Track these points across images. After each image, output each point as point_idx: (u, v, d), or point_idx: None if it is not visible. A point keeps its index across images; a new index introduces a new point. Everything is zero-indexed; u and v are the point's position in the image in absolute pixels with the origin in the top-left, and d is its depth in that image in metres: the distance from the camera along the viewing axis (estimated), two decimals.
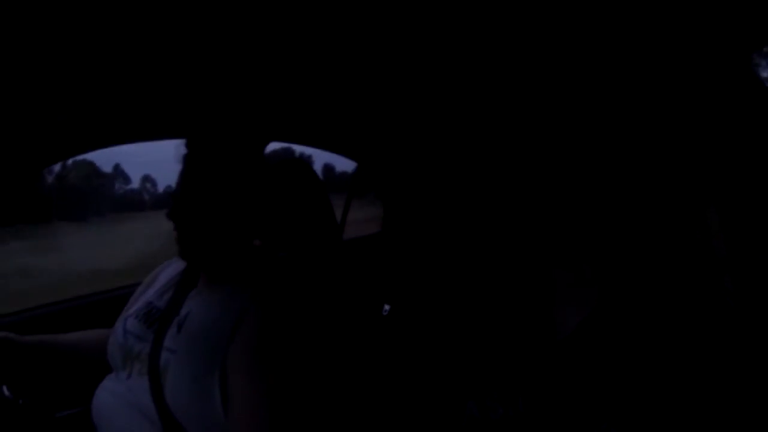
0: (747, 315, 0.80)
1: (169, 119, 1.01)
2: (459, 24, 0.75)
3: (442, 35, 0.79)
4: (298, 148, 1.56)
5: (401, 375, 0.68)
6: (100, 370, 0.79)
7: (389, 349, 0.85)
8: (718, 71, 0.80)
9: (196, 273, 0.81)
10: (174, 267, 0.87)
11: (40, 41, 0.65)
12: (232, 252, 0.78)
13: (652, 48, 0.80)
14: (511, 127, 0.70)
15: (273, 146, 1.03)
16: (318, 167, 0.99)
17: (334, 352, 0.82)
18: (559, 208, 0.57)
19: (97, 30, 0.64)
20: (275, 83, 0.93)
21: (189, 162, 0.76)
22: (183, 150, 0.77)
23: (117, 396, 0.72)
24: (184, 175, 0.76)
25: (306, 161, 1.00)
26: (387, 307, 1.17)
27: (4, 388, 0.69)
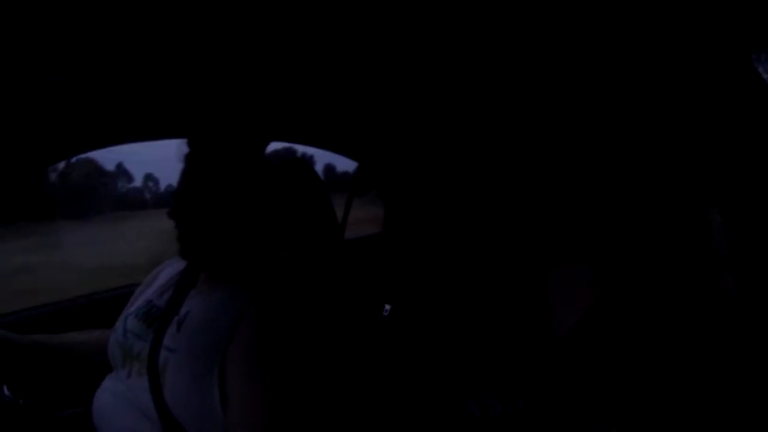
0: (749, 315, 0.80)
1: (170, 118, 1.01)
2: (459, 24, 0.75)
3: (443, 35, 0.79)
4: (300, 149, 1.57)
5: (402, 373, 0.67)
6: (100, 370, 0.80)
7: (390, 347, 0.86)
8: (721, 72, 0.80)
9: (197, 272, 0.80)
10: (175, 266, 0.87)
11: (41, 39, 0.64)
12: (233, 251, 0.78)
13: (654, 47, 0.80)
14: (511, 126, 0.70)
15: (275, 146, 1.03)
16: (319, 167, 0.99)
17: (334, 352, 0.82)
18: (559, 206, 0.57)
19: (99, 28, 0.64)
20: (277, 82, 0.93)
21: (190, 161, 0.76)
22: (185, 149, 0.77)
23: (117, 395, 0.72)
24: (185, 174, 0.76)
25: (306, 161, 1.00)
26: (388, 307, 1.18)
27: (5, 388, 0.69)
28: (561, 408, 0.52)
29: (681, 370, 0.49)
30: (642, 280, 0.56)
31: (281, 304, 0.72)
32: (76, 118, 0.90)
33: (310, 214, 0.96)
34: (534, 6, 0.70)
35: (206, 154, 0.76)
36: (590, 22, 0.75)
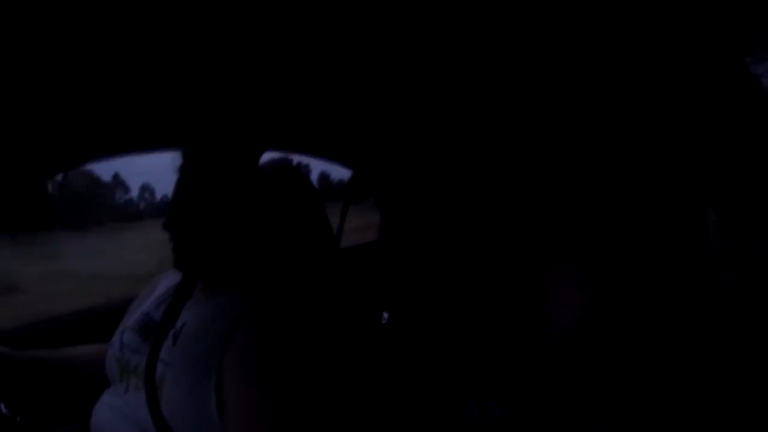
0: (746, 313, 0.80)
1: (165, 129, 1.02)
2: (454, 29, 0.76)
3: (438, 41, 0.80)
4: (295, 158, 1.57)
5: (401, 375, 0.68)
6: (99, 385, 0.79)
7: (389, 351, 0.86)
8: (715, 73, 0.81)
9: (192, 283, 0.81)
10: (171, 278, 0.87)
11: (40, 51, 0.65)
12: (228, 261, 0.78)
13: (649, 50, 0.80)
14: (505, 131, 0.70)
15: (270, 155, 1.03)
16: (314, 176, 1.00)
17: (330, 359, 0.82)
18: (552, 210, 0.58)
19: (95, 40, 0.65)
20: (270, 91, 0.93)
21: (184, 172, 0.77)
22: (179, 160, 0.77)
23: (115, 410, 0.72)
24: (179, 185, 0.77)
25: (300, 169, 1.00)
26: (386, 315, 1.18)
27: (2, 405, 0.69)
28: (558, 409, 0.53)
29: (677, 369, 0.49)
30: (637, 281, 0.57)
31: (276, 312, 0.72)
32: (71, 130, 0.91)
33: (304, 223, 0.96)
34: (529, 10, 0.71)
35: (200, 164, 0.76)
36: (586, 25, 0.76)
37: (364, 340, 0.93)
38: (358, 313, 0.97)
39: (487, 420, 0.57)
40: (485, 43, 0.81)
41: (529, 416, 0.55)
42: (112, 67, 0.73)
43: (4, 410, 0.69)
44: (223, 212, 0.75)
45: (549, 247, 0.59)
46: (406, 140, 1.43)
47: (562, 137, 0.60)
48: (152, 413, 0.67)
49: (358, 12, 0.67)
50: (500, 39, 0.80)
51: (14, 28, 0.58)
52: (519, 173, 0.61)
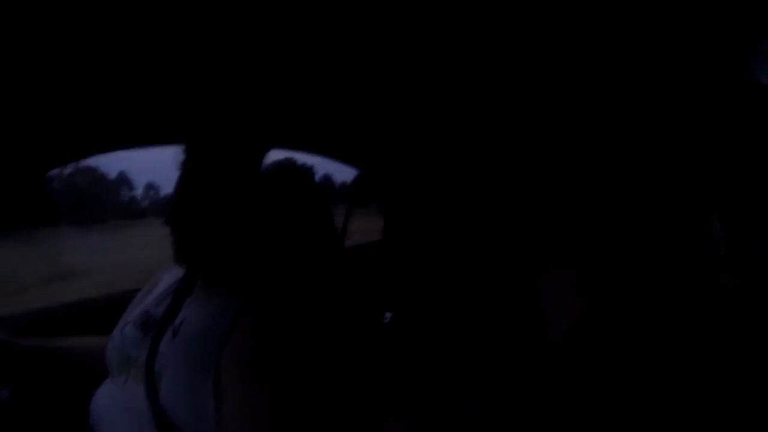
0: (749, 316, 0.80)
1: (169, 124, 1.02)
2: (461, 31, 0.76)
3: (443, 43, 0.80)
4: (300, 160, 1.57)
5: (404, 371, 0.68)
6: (98, 375, 0.80)
7: (392, 346, 0.86)
8: (718, 79, 0.81)
9: (193, 280, 0.81)
10: (172, 275, 0.87)
11: (44, 45, 0.66)
12: (228, 258, 0.78)
13: (652, 53, 0.81)
14: (504, 134, 0.70)
15: (276, 156, 1.04)
16: (317, 178, 1.00)
17: (329, 358, 0.82)
18: (548, 211, 0.58)
19: (100, 34, 0.65)
20: (277, 89, 0.94)
21: (187, 168, 0.77)
22: (181, 156, 0.78)
23: (114, 401, 0.73)
24: (181, 181, 0.77)
25: (306, 169, 1.01)
26: (388, 315, 1.18)
27: (3, 391, 0.70)
28: (557, 408, 0.53)
29: (676, 372, 0.49)
30: (635, 283, 0.57)
31: (275, 311, 0.72)
32: (74, 122, 0.91)
33: (308, 222, 0.96)
34: (532, 14, 0.71)
35: (203, 160, 0.77)
36: (590, 29, 0.76)
37: (365, 339, 0.93)
38: (359, 312, 0.97)
39: (489, 415, 0.57)
40: (485, 49, 0.82)
41: (529, 413, 0.55)
42: (119, 61, 0.74)
43: (5, 396, 0.69)
44: (224, 209, 0.76)
45: (545, 248, 0.59)
46: (410, 142, 1.44)
47: (560, 140, 0.60)
48: (151, 405, 0.67)
49: (369, 12, 0.68)
50: (502, 46, 0.80)
51: (23, 23, 0.59)
52: (517, 175, 0.61)
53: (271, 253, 0.89)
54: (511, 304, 0.62)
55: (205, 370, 0.67)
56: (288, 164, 0.99)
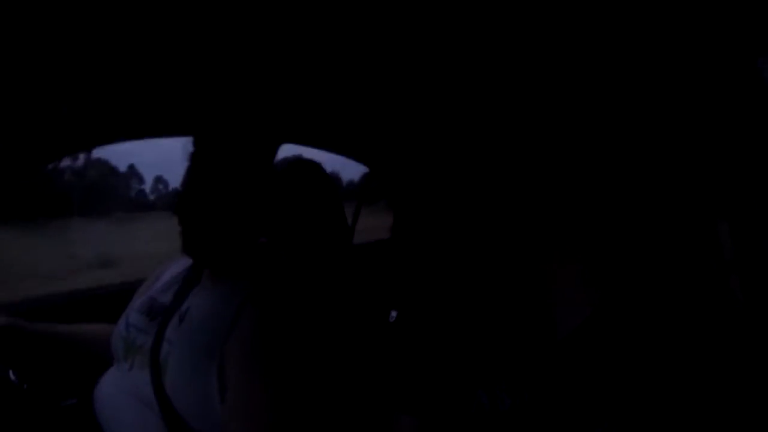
0: (754, 318, 0.80)
1: (179, 115, 1.03)
2: (471, 30, 0.76)
3: (454, 42, 0.80)
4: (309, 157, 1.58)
5: (411, 366, 0.68)
6: (104, 362, 0.80)
7: (399, 341, 0.86)
8: (728, 81, 0.80)
9: (200, 269, 0.81)
10: (179, 264, 0.88)
11: (51, 33, 0.66)
12: (236, 249, 0.78)
13: (664, 57, 0.80)
14: (520, 132, 0.70)
15: (287, 151, 1.04)
16: None
17: (332, 350, 0.82)
18: (561, 211, 0.58)
19: (108, 24, 0.65)
20: (290, 83, 0.94)
21: (196, 159, 0.77)
22: (190, 148, 0.78)
23: (119, 387, 0.73)
24: (190, 172, 0.77)
25: (317, 163, 1.00)
26: (394, 313, 1.17)
27: (11, 373, 0.70)
28: (565, 405, 0.53)
29: (683, 372, 0.49)
30: (644, 282, 0.56)
31: (279, 303, 0.72)
32: (80, 112, 0.92)
33: (317, 215, 0.96)
34: (545, 12, 0.70)
35: (213, 151, 0.77)
36: (601, 29, 0.76)
37: (370, 334, 0.92)
38: (365, 308, 0.96)
39: (497, 411, 0.57)
40: (494, 47, 0.81)
41: (537, 409, 0.55)
42: (130, 52, 0.74)
43: (12, 378, 0.69)
44: (231, 200, 0.76)
45: (552, 244, 0.59)
46: (419, 140, 1.44)
47: (570, 138, 0.60)
48: (156, 391, 0.67)
49: (385, 9, 0.67)
50: (512, 42, 0.80)
51: (29, 12, 0.59)
52: (525, 173, 0.61)
53: (278, 245, 0.89)
54: (519, 300, 0.62)
55: (210, 358, 0.67)
56: (298, 159, 0.99)
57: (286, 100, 1.04)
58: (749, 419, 0.47)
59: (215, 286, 0.77)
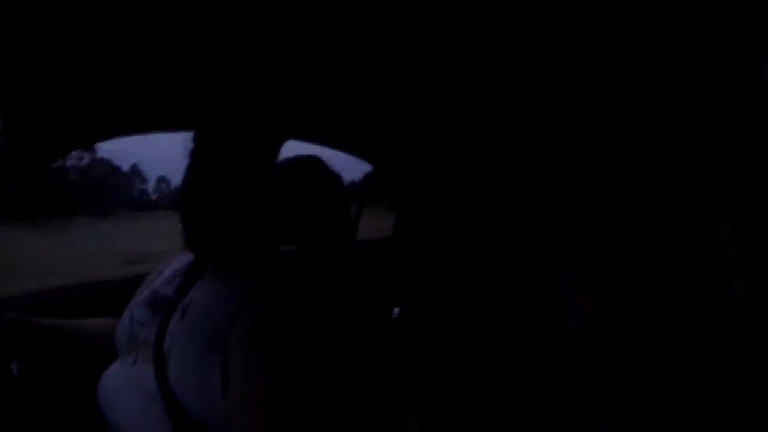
0: (756, 316, 0.80)
1: (182, 109, 1.02)
2: (480, 27, 0.76)
3: (461, 40, 0.80)
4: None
5: (415, 362, 0.69)
6: (107, 357, 0.80)
7: (404, 338, 0.86)
8: (731, 81, 0.80)
9: (203, 263, 0.81)
10: (182, 259, 0.88)
11: (55, 28, 0.66)
12: (236, 244, 0.78)
13: (668, 58, 0.80)
14: (523, 131, 0.70)
15: (292, 148, 1.04)
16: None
17: (333, 344, 0.81)
18: (564, 211, 0.58)
19: (111, 18, 0.65)
20: (295, 77, 0.93)
21: (197, 153, 0.77)
22: (191, 145, 0.78)
23: (123, 381, 0.73)
24: (192, 167, 0.77)
25: (321, 159, 1.00)
26: (396, 310, 1.17)
27: (14, 365, 0.70)
28: (567, 401, 0.53)
29: (686, 368, 0.49)
30: (645, 281, 0.57)
31: (279, 298, 0.72)
32: (85, 107, 0.92)
33: (319, 212, 0.96)
34: (555, 13, 0.70)
35: (214, 145, 0.76)
36: (606, 30, 0.76)
37: (372, 329, 0.92)
38: (367, 303, 0.96)
39: (502, 405, 0.57)
40: (500, 46, 0.81)
41: (541, 404, 0.55)
42: (131, 46, 0.74)
43: (15, 370, 0.69)
44: (233, 195, 0.76)
45: (556, 242, 0.59)
46: (424, 140, 1.43)
47: (574, 138, 0.60)
48: (159, 384, 0.67)
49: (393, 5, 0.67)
50: (518, 40, 0.80)
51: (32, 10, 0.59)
52: (529, 173, 0.61)
53: (278, 239, 0.88)
54: (522, 297, 0.62)
55: (212, 351, 0.67)
56: (304, 156, 0.99)
57: (291, 94, 1.03)
58: (751, 415, 0.47)
59: (217, 280, 0.77)
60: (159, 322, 0.74)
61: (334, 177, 0.99)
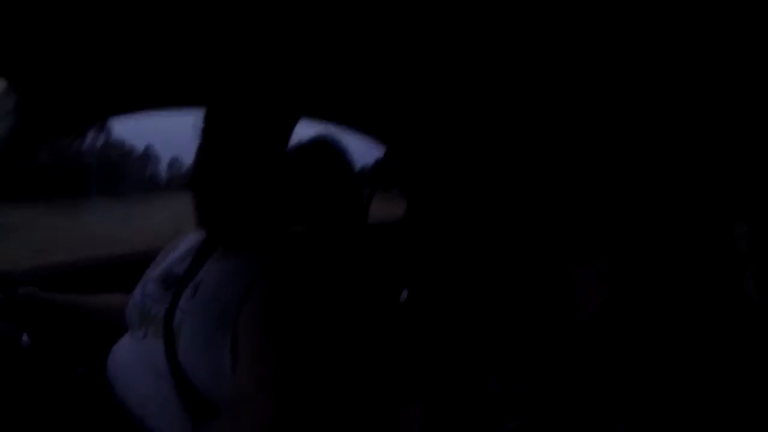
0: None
1: (194, 86, 1.01)
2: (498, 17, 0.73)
3: (480, 28, 0.77)
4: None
5: (423, 350, 0.69)
6: (117, 332, 0.81)
7: (411, 326, 0.86)
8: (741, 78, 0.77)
9: (215, 242, 0.81)
10: (194, 237, 0.88)
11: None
12: (247, 222, 0.78)
13: (681, 58, 0.79)
14: (541, 126, 0.69)
15: (306, 130, 1.02)
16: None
17: (339, 326, 0.81)
18: (577, 209, 0.58)
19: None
20: (309, 54, 0.91)
21: (208, 131, 0.76)
22: (202, 121, 0.77)
23: (133, 354, 0.74)
24: (203, 145, 0.76)
25: (335, 142, 0.99)
26: (405, 293, 1.16)
27: (25, 337, 0.71)
28: (574, 394, 0.53)
29: (694, 365, 0.49)
30: (657, 278, 0.57)
31: (291, 277, 0.72)
32: (94, 83, 0.91)
33: (330, 194, 0.95)
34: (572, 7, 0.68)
35: (225, 123, 0.75)
36: (618, 30, 0.75)
37: (378, 314, 0.91)
38: (376, 284, 0.95)
39: (508, 395, 0.57)
40: (519, 35, 0.79)
41: (548, 396, 0.55)
42: (144, 22, 0.73)
43: (25, 342, 0.70)
44: (243, 172, 0.75)
45: (573, 240, 0.59)
46: (442, 128, 1.40)
47: (591, 140, 0.60)
48: (168, 359, 0.68)
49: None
50: (538, 30, 0.77)
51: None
52: (551, 175, 0.61)
53: (289, 219, 0.88)
54: (534, 289, 0.62)
55: (222, 327, 0.67)
56: (317, 137, 0.98)
57: (304, 72, 1.01)
58: (757, 411, 0.46)
59: (228, 259, 0.77)
60: (170, 299, 0.74)
61: (345, 159, 0.98)
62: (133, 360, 0.73)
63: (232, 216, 0.76)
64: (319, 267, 0.81)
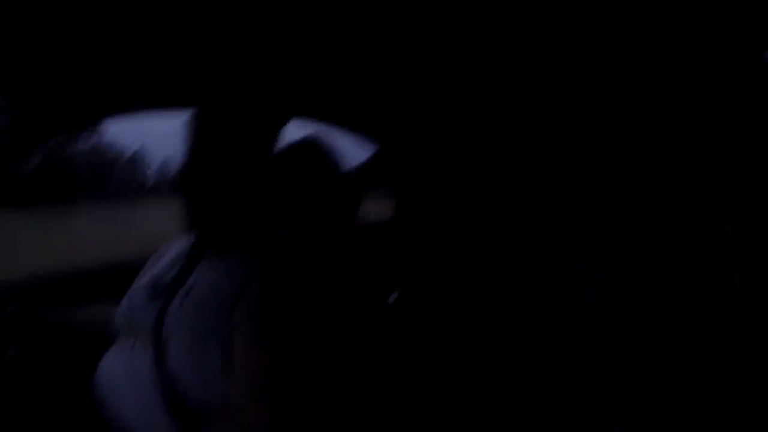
0: (755, 313, 0.80)
1: (184, 88, 1.00)
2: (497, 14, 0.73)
3: (478, 26, 0.77)
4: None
5: (407, 365, 0.68)
6: (106, 342, 0.80)
7: (396, 339, 0.86)
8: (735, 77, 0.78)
9: (204, 246, 0.81)
10: (182, 243, 0.87)
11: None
12: (238, 223, 0.78)
13: (672, 55, 0.79)
14: (534, 125, 0.69)
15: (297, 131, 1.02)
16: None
17: (330, 329, 0.81)
18: (572, 208, 0.60)
19: None
20: (299, 53, 0.91)
21: (199, 132, 0.76)
22: (191, 122, 0.77)
23: (121, 365, 0.73)
24: (191, 147, 0.76)
25: (324, 143, 0.98)
26: (394, 295, 1.16)
27: (12, 350, 0.70)
28: (569, 395, 0.54)
29: (684, 364, 0.50)
30: (647, 276, 0.57)
31: (283, 278, 0.72)
32: (82, 84, 0.90)
33: (318, 194, 0.95)
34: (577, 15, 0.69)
35: (214, 124, 0.75)
36: (615, 30, 0.75)
37: (370, 315, 0.91)
38: (365, 285, 0.95)
39: (502, 396, 0.58)
40: (518, 33, 0.79)
41: (542, 397, 0.55)
42: (133, 24, 0.72)
43: (12, 355, 0.69)
44: (233, 174, 0.75)
45: (568, 240, 0.61)
46: (435, 131, 1.40)
47: (587, 145, 0.59)
48: (157, 370, 0.67)
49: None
50: (537, 29, 0.77)
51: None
52: (548, 178, 0.60)
53: (278, 221, 0.88)
54: (531, 286, 0.63)
55: (213, 333, 0.67)
56: (304, 138, 0.98)
57: (293, 72, 1.01)
58: (748, 408, 0.47)
59: (219, 262, 0.77)
60: (159, 308, 0.73)
61: (332, 160, 0.98)
62: (122, 371, 0.72)
63: (221, 218, 0.76)
64: (308, 268, 0.81)
